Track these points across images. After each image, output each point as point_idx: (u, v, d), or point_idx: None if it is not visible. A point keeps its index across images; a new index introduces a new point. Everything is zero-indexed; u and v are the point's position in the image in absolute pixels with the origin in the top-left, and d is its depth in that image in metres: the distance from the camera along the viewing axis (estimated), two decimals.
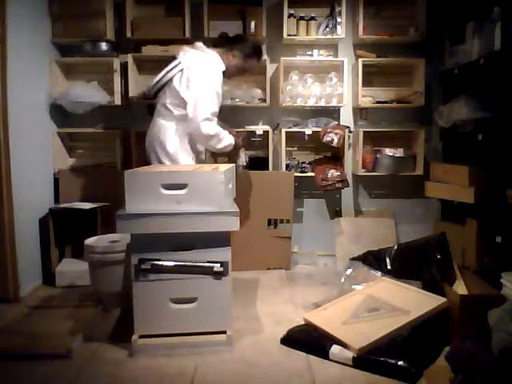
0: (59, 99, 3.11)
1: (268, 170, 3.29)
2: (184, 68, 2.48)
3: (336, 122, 3.36)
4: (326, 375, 1.85)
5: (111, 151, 3.28)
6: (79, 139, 3.40)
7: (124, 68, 3.22)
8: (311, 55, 3.33)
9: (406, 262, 2.49)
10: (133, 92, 3.22)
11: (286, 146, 3.26)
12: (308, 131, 3.27)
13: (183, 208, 1.95)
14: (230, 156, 2.88)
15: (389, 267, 2.52)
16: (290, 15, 3.20)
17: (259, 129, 3.27)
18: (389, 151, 3.30)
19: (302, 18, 3.24)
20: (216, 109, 2.45)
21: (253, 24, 3.16)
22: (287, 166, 3.33)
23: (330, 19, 3.24)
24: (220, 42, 2.63)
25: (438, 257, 2.36)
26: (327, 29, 3.25)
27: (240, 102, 3.23)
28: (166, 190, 1.96)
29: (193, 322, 2.02)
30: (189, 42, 3.16)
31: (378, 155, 3.31)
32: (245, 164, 3.30)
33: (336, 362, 1.92)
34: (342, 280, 2.52)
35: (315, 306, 2.45)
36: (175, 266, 1.99)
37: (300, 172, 3.33)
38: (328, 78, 3.30)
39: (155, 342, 2.00)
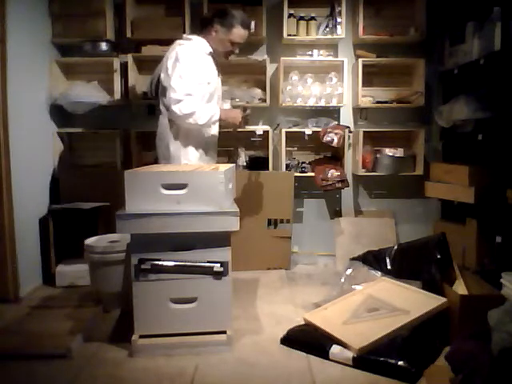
0: (59, 99, 3.11)
1: (268, 170, 3.29)
2: (164, 59, 2.46)
3: (336, 122, 3.36)
4: (326, 375, 1.85)
5: (111, 151, 3.28)
6: (79, 139, 3.40)
7: (124, 68, 3.22)
8: (311, 55, 3.33)
9: (406, 262, 2.49)
10: (133, 92, 3.22)
11: (286, 146, 3.26)
12: (308, 131, 3.27)
13: (183, 208, 1.95)
14: (230, 155, 2.87)
15: (389, 267, 2.52)
16: (290, 15, 3.20)
17: (259, 129, 3.27)
18: (389, 151, 3.30)
19: (301, 18, 3.24)
20: (188, 88, 2.33)
21: (253, 24, 3.13)
22: (287, 166, 3.33)
23: (329, 19, 3.24)
24: (202, 24, 2.54)
25: (438, 257, 2.36)
26: (327, 29, 3.25)
27: (240, 102, 3.23)
28: (165, 190, 1.96)
29: (193, 322, 2.02)
30: None
31: (378, 155, 3.32)
32: (245, 164, 3.30)
33: (336, 361, 1.92)
34: (342, 280, 2.52)
35: (315, 305, 2.45)
36: (175, 265, 1.99)
37: (300, 172, 3.33)
38: (328, 78, 3.30)
39: (155, 342, 2.00)
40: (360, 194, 3.58)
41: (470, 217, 2.92)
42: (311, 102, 3.26)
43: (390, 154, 3.28)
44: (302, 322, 2.22)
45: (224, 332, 2.03)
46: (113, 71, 3.17)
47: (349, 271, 2.54)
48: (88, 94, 3.11)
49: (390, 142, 3.38)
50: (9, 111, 2.60)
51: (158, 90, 2.50)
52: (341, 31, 3.22)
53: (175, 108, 2.34)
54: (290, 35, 3.20)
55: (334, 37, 3.23)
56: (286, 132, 3.26)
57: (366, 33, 3.24)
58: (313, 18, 3.25)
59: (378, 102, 3.33)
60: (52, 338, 2.10)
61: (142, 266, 1.97)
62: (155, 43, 3.15)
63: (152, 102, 3.29)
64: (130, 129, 3.28)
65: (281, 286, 2.92)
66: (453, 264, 2.45)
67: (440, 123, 3.15)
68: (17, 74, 2.68)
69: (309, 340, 2.05)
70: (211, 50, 2.49)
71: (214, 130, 2.57)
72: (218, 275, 2.00)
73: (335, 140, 3.12)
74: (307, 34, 3.24)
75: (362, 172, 3.33)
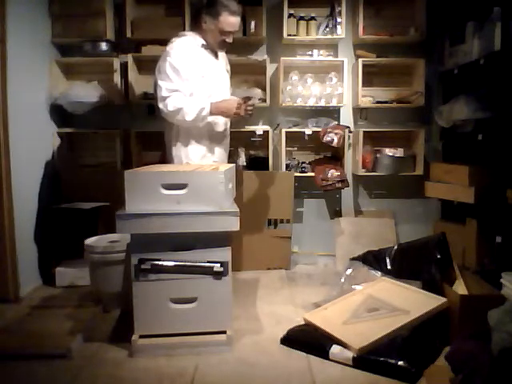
0: (59, 99, 3.11)
1: (268, 170, 3.29)
2: None
3: (336, 122, 3.36)
4: (326, 375, 1.85)
5: (111, 151, 3.27)
6: (79, 139, 3.40)
7: (124, 68, 3.22)
8: (311, 55, 3.33)
9: (406, 262, 2.49)
10: (133, 92, 3.22)
11: (286, 146, 3.26)
12: (308, 131, 3.26)
13: (183, 208, 1.95)
14: (230, 155, 2.86)
15: (389, 267, 2.52)
16: (290, 15, 3.20)
17: (259, 129, 3.27)
18: (389, 151, 3.30)
19: (301, 18, 3.24)
20: (173, 85, 2.33)
21: (253, 24, 3.16)
22: (287, 166, 3.33)
23: (329, 19, 3.24)
24: (193, 18, 2.51)
25: (438, 257, 2.36)
26: (327, 29, 3.24)
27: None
28: (165, 190, 1.96)
29: (193, 322, 2.02)
30: None
31: (378, 155, 3.32)
32: (245, 164, 3.30)
33: (336, 361, 1.92)
34: (342, 280, 2.52)
35: (315, 305, 2.45)
36: (175, 265, 1.99)
37: (300, 172, 3.33)
38: (328, 78, 3.30)
39: (155, 342, 2.00)
40: (360, 193, 3.58)
41: (470, 217, 2.92)
42: (311, 102, 3.26)
43: (390, 154, 3.28)
44: (302, 322, 2.22)
45: (224, 332, 2.03)
46: (113, 71, 3.17)
47: (349, 271, 2.54)
48: (88, 94, 3.10)
49: (390, 141, 3.38)
50: (9, 111, 2.60)
51: None
52: (341, 31, 3.22)
53: (162, 105, 2.35)
54: (289, 35, 3.20)
55: (334, 37, 3.23)
56: (286, 132, 3.26)
57: (366, 33, 3.24)
58: (313, 18, 3.24)
59: (378, 102, 3.33)
60: (52, 338, 2.10)
61: (142, 266, 1.97)
62: (155, 43, 3.15)
63: (152, 102, 3.30)
64: (130, 129, 3.28)
65: (281, 286, 2.92)
66: (453, 264, 2.45)
67: (440, 123, 3.15)
68: (17, 74, 2.68)
69: (309, 340, 2.05)
70: (203, 43, 2.46)
71: (220, 126, 2.54)
72: (218, 275, 2.00)
73: (335, 140, 3.12)
74: (307, 33, 3.24)
75: (362, 172, 3.33)
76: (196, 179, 1.97)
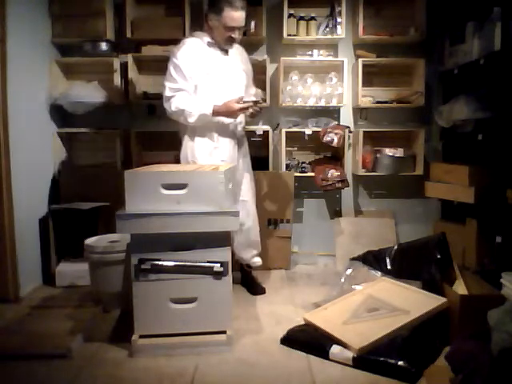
0: (59, 99, 3.10)
1: (268, 170, 3.29)
2: None
3: (336, 122, 3.36)
4: (326, 375, 1.85)
5: (111, 151, 3.27)
6: (79, 139, 3.40)
7: (124, 68, 3.22)
8: (311, 55, 3.33)
9: (406, 262, 2.49)
10: (133, 92, 3.22)
11: (286, 146, 3.26)
12: (308, 131, 3.26)
13: (183, 208, 1.95)
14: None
15: (389, 267, 2.52)
16: (290, 15, 3.20)
17: (259, 129, 3.27)
18: (389, 151, 3.29)
19: (301, 18, 3.23)
20: (175, 84, 2.40)
21: (253, 24, 3.15)
22: (287, 166, 3.32)
23: (329, 19, 3.24)
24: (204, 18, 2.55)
25: (438, 257, 2.36)
26: (327, 29, 3.24)
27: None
28: (165, 190, 1.96)
29: (193, 322, 2.02)
30: None
31: (378, 155, 3.31)
32: None
33: (336, 361, 1.92)
34: (342, 280, 2.52)
35: (315, 305, 2.45)
36: (175, 265, 1.99)
37: (300, 172, 3.33)
38: (328, 78, 3.30)
39: (155, 341, 2.00)
40: (360, 194, 3.58)
41: (470, 217, 2.92)
42: (311, 102, 3.26)
43: (390, 154, 3.28)
44: (302, 322, 2.22)
45: (224, 332, 2.03)
46: (113, 71, 3.16)
47: (349, 271, 2.54)
48: (88, 94, 3.10)
49: (390, 141, 3.38)
50: (9, 111, 2.60)
51: None
52: (341, 31, 3.21)
53: (166, 105, 2.42)
54: (289, 35, 3.20)
55: (334, 37, 3.23)
56: (286, 132, 3.26)
57: (366, 33, 3.24)
58: (313, 18, 3.24)
59: (378, 102, 3.33)
60: (52, 338, 2.10)
61: (142, 266, 1.97)
62: (155, 43, 3.15)
63: (152, 102, 3.31)
64: (130, 129, 3.28)
65: (281, 286, 2.92)
66: (453, 264, 2.45)
67: (440, 123, 3.15)
68: (17, 73, 2.68)
69: (309, 340, 2.05)
70: (210, 41, 2.48)
71: (228, 125, 2.54)
72: (218, 275, 2.00)
73: (335, 140, 3.12)
74: (307, 33, 3.24)
75: (362, 172, 3.33)
76: (196, 179, 1.97)
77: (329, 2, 3.25)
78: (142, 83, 3.31)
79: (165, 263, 1.98)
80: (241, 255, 2.76)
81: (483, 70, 2.80)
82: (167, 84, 2.42)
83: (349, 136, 3.38)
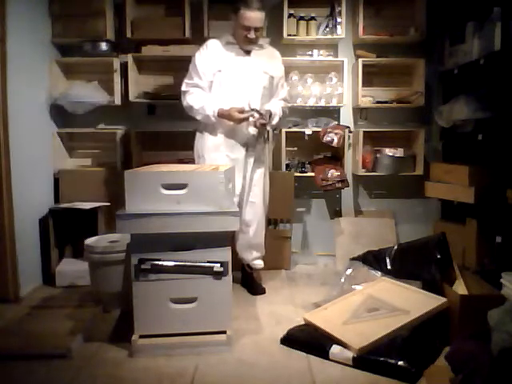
0: (59, 99, 3.11)
1: None
2: None
3: (336, 122, 3.36)
4: (326, 375, 1.85)
5: (111, 151, 3.28)
6: (79, 139, 3.40)
7: (124, 68, 3.22)
8: (311, 55, 3.33)
9: (406, 262, 2.48)
10: (133, 92, 3.22)
11: (286, 146, 3.26)
12: (308, 131, 3.26)
13: (183, 208, 1.95)
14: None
15: (389, 267, 2.52)
16: (290, 15, 3.20)
17: None
18: (389, 151, 3.30)
19: (301, 18, 3.24)
20: (190, 80, 2.55)
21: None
22: (287, 165, 3.33)
23: (329, 19, 3.24)
24: None
25: (438, 257, 2.36)
26: (327, 29, 3.24)
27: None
28: (165, 190, 1.96)
29: (193, 322, 2.02)
30: (189, 41, 3.17)
31: (378, 155, 3.32)
32: None
33: (336, 362, 1.92)
34: (342, 280, 2.52)
35: (315, 305, 2.45)
36: (175, 265, 1.99)
37: (300, 172, 3.33)
38: (328, 78, 3.30)
39: (155, 341, 2.00)
40: (360, 194, 3.58)
41: (470, 217, 2.92)
42: (311, 102, 3.26)
43: (390, 154, 3.28)
44: (302, 322, 2.22)
45: (224, 332, 2.03)
46: (113, 71, 3.16)
47: (349, 271, 2.54)
48: (88, 94, 3.11)
49: (390, 141, 3.38)
50: (9, 111, 2.59)
51: None
52: (341, 31, 3.22)
53: (182, 100, 2.56)
54: (290, 35, 3.20)
55: (334, 37, 3.23)
56: (286, 132, 3.26)
57: (366, 33, 3.24)
58: (313, 18, 3.24)
59: (378, 102, 3.33)
60: (52, 338, 2.10)
61: (142, 266, 1.97)
62: (155, 43, 3.15)
63: (152, 102, 3.31)
64: (130, 129, 3.28)
65: (281, 286, 2.92)
66: (453, 264, 2.45)
67: (440, 123, 3.15)
68: (17, 73, 2.68)
69: (309, 340, 2.05)
70: (230, 40, 2.56)
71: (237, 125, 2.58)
72: (218, 275, 2.00)
73: (335, 140, 3.12)
74: (307, 33, 3.24)
75: (362, 172, 3.33)
76: (196, 179, 1.97)
77: (329, 1, 3.25)
78: (142, 83, 3.31)
79: (165, 263, 1.98)
80: (242, 255, 2.77)
81: (483, 70, 2.80)
82: (185, 79, 2.57)
83: (349, 136, 3.38)
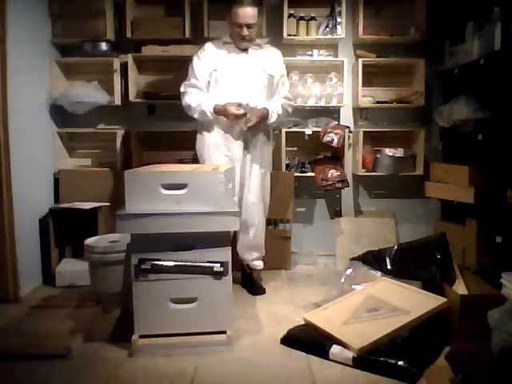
0: (59, 99, 3.11)
1: None
2: None
3: (336, 122, 3.36)
4: (326, 375, 1.85)
5: (111, 151, 3.28)
6: (79, 139, 3.40)
7: (124, 68, 3.22)
8: (311, 55, 3.33)
9: (406, 262, 2.48)
10: (133, 92, 3.22)
11: (286, 146, 3.26)
12: (308, 131, 3.26)
13: (183, 208, 1.95)
14: None
15: (389, 267, 2.52)
16: (290, 15, 3.20)
17: None
18: (389, 151, 3.29)
19: (302, 18, 3.23)
20: (188, 80, 2.60)
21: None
22: (287, 165, 3.33)
23: (329, 19, 3.24)
24: None
25: (438, 257, 2.36)
26: (327, 29, 3.24)
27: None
28: (165, 190, 1.96)
29: (193, 322, 2.02)
30: (189, 41, 3.17)
31: (378, 155, 3.31)
32: None
33: (336, 361, 1.92)
34: (342, 280, 2.52)
35: (315, 305, 2.45)
36: (175, 265, 1.99)
37: (300, 172, 3.33)
38: (328, 78, 3.30)
39: (155, 342, 2.00)
40: (360, 194, 3.58)
41: (470, 217, 2.92)
42: (311, 102, 3.26)
43: (390, 154, 3.28)
44: (302, 322, 2.22)
45: (224, 332, 2.03)
46: (113, 71, 3.16)
47: (349, 271, 2.54)
48: (88, 94, 3.11)
49: (390, 141, 3.38)
50: (9, 111, 2.59)
51: None
52: (341, 31, 3.22)
53: (182, 100, 2.60)
54: (290, 35, 3.20)
55: (334, 37, 3.23)
56: (286, 132, 3.26)
57: (366, 33, 3.24)
58: (313, 18, 3.24)
59: (378, 102, 3.33)
60: (52, 338, 2.10)
61: (142, 266, 1.97)
62: (155, 43, 3.15)
63: (152, 102, 3.31)
64: (130, 129, 3.28)
65: (281, 286, 2.92)
66: (453, 264, 2.45)
67: (440, 123, 3.15)
68: (17, 73, 2.68)
69: (309, 340, 2.05)
70: (226, 40, 2.58)
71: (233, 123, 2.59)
72: (218, 275, 2.00)
73: (335, 140, 3.12)
74: (307, 33, 3.24)
75: (362, 172, 3.33)
76: (196, 179, 1.97)
77: (329, 2, 3.25)
78: (142, 83, 3.31)
79: (165, 263, 1.98)
80: (243, 256, 2.77)
81: (483, 70, 2.80)
82: (184, 81, 2.62)
83: (349, 136, 3.38)
